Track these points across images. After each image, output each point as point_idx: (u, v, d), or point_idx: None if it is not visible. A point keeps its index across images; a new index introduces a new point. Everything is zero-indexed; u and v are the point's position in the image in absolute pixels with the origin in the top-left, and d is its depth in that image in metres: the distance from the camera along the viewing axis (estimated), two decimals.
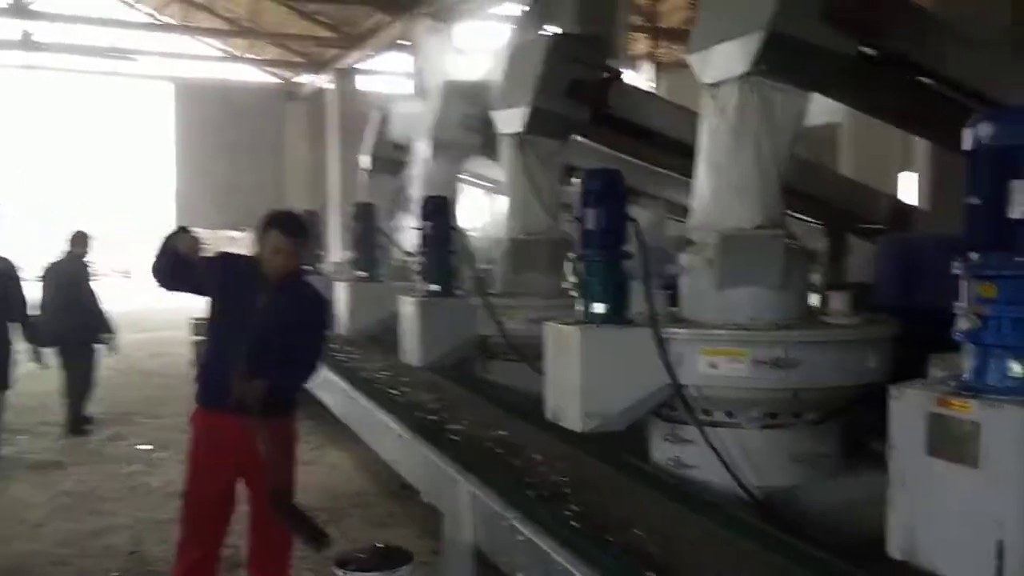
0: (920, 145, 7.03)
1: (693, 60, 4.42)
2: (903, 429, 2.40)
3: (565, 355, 4.13)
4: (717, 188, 4.28)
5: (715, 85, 4.29)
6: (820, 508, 4.05)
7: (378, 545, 3.94)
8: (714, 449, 3.97)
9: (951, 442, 2.27)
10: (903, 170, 7.53)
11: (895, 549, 2.42)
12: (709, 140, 4.31)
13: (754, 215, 4.18)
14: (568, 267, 4.19)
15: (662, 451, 4.36)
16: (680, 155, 6.60)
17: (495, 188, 9.57)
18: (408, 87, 17.22)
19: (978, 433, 2.19)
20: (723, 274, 4.11)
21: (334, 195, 20.34)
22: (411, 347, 6.57)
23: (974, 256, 2.31)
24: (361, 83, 21.77)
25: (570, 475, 4.05)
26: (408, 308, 6.62)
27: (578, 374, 4.00)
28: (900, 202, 6.97)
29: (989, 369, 2.28)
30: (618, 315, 4.16)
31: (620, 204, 4.18)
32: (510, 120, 6.47)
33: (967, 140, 2.34)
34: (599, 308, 4.16)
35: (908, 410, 2.39)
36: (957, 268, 2.37)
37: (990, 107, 4.07)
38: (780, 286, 4.14)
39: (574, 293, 4.24)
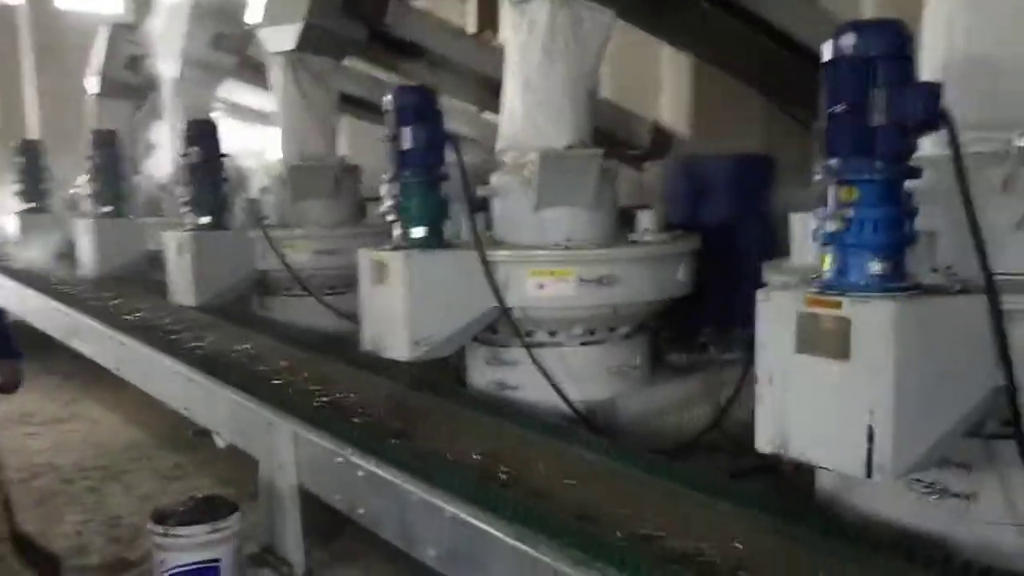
0: (679, 69, 7.37)
1: None
2: (771, 330, 2.52)
3: (385, 283, 3.96)
4: (528, 106, 4.25)
5: (523, 1, 4.23)
6: (634, 416, 4.24)
7: (196, 496, 3.64)
8: (541, 368, 4.01)
9: (821, 338, 2.40)
10: (661, 94, 7.94)
11: (765, 443, 2.55)
12: (519, 57, 4.26)
13: (567, 134, 4.21)
14: (383, 190, 3.98)
15: (483, 375, 4.35)
16: (458, 78, 6.53)
17: (253, 115, 9.02)
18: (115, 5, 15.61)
19: (848, 328, 2.35)
20: (541, 194, 4.11)
21: (32, 124, 18.13)
22: (182, 286, 6.06)
23: (835, 162, 2.44)
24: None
25: (393, 405, 3.94)
26: (176, 243, 6.08)
27: (403, 301, 3.86)
28: (660, 127, 7.31)
29: (852, 268, 2.43)
30: (438, 239, 4.05)
31: (437, 122, 4.03)
32: (280, 38, 6.04)
33: (828, 51, 2.45)
34: (419, 232, 4.01)
35: (776, 312, 2.51)
36: (819, 173, 2.50)
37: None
38: (596, 205, 4.22)
39: (390, 217, 4.05)
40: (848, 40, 2.38)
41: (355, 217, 6.45)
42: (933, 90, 2.34)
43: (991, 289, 2.36)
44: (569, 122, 4.19)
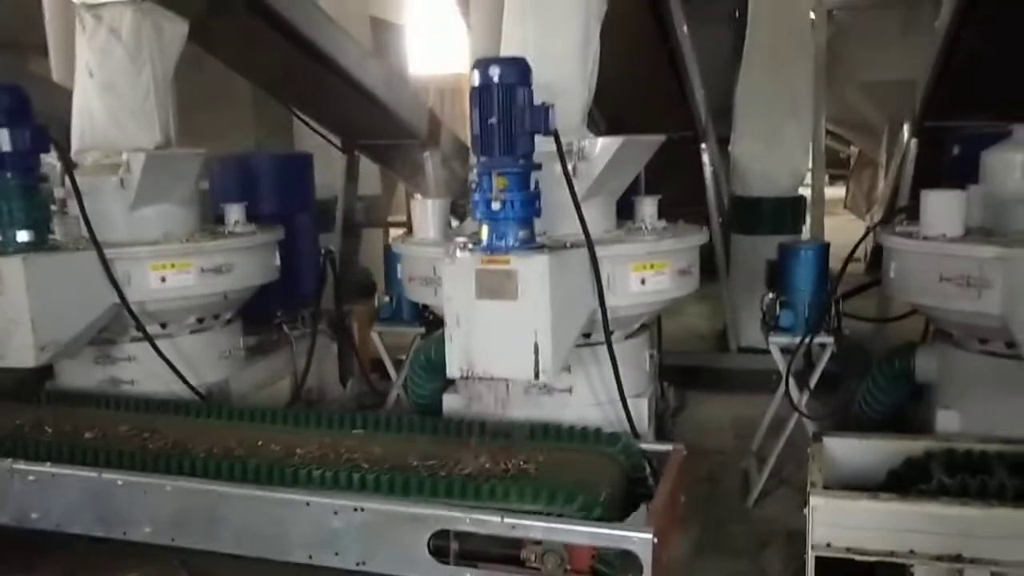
0: None
1: None
2: (456, 284, 3.33)
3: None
4: (113, 110, 4.35)
5: (99, 5, 4.30)
6: (241, 393, 4.67)
7: None
8: (165, 358, 4.22)
9: (497, 286, 3.30)
10: None
11: (455, 370, 3.37)
12: (100, 59, 4.32)
13: (155, 135, 4.42)
14: None
15: (92, 375, 4.34)
16: None
17: None
18: None
19: (515, 277, 3.28)
20: (141, 192, 4.26)
21: None
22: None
23: (488, 160, 3.34)
24: None
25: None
26: None
27: (26, 307, 3.74)
28: (435, 115, 7.01)
29: (508, 235, 3.36)
30: (44, 241, 3.97)
31: (32, 122, 3.92)
32: None
33: (476, 79, 3.32)
34: (24, 236, 3.89)
35: (459, 270, 3.32)
36: (478, 168, 3.37)
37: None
38: (189, 201, 4.51)
39: None
40: (494, 71, 3.32)
41: None
42: (548, 109, 3.40)
43: (590, 243, 3.52)
44: (158, 123, 4.41)
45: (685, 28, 5.32)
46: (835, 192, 13.74)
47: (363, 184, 8.03)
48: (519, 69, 3.34)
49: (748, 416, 5.17)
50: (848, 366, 4.58)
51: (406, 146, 6.70)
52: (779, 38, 6.46)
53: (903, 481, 3.23)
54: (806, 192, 7.20)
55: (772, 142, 6.48)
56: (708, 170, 6.43)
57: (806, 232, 7.12)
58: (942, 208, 3.54)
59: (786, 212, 6.58)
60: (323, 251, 5.53)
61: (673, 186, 6.65)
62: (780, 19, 6.48)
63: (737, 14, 7.49)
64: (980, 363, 3.69)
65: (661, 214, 4.07)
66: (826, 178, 8.05)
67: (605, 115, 6.50)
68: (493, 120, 3.31)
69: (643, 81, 5.77)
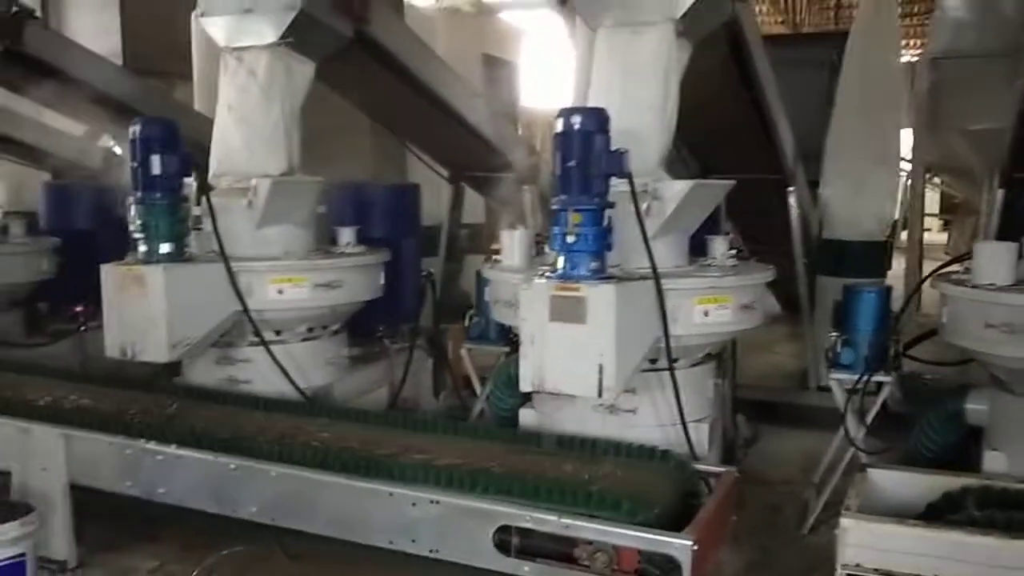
0: None
1: (213, 24, 4.94)
2: (532, 307, 3.74)
3: (140, 293, 4.37)
4: (247, 139, 4.95)
5: (241, 49, 4.93)
6: (343, 398, 5.16)
7: None
8: (277, 362, 4.76)
9: (568, 311, 3.68)
10: None
11: (528, 384, 3.77)
12: (238, 96, 4.93)
13: (282, 163, 4.99)
14: (132, 211, 4.41)
15: (212, 374, 4.92)
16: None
17: None
18: None
19: (585, 303, 3.66)
20: (266, 214, 4.83)
21: None
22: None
23: (566, 197, 3.74)
24: None
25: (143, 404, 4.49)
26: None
27: (164, 309, 4.33)
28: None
29: (580, 265, 3.74)
30: (181, 253, 4.57)
31: (180, 149, 4.54)
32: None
33: (559, 126, 3.74)
34: (166, 248, 4.50)
35: (535, 295, 3.73)
36: (556, 204, 3.77)
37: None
38: (309, 223, 5.08)
39: (138, 235, 4.46)
40: (575, 120, 3.72)
41: None
42: (623, 154, 3.78)
43: (656, 276, 3.87)
44: (284, 152, 4.99)
45: (770, 77, 5.61)
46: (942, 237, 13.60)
47: (468, 213, 8.56)
48: (597, 118, 3.73)
49: (818, 451, 5.36)
50: (916, 406, 4.76)
51: (507, 178, 7.18)
52: (870, 86, 6.66)
53: (939, 513, 3.45)
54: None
55: (860, 187, 6.67)
56: (794, 212, 6.66)
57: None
58: (992, 258, 3.75)
59: (871, 256, 6.74)
60: (424, 273, 6.02)
61: (765, 226, 6.95)
62: (871, 67, 6.69)
63: (836, 58, 7.66)
64: None
65: (751, 252, 4.37)
66: (931, 223, 8.10)
67: (698, 156, 6.84)
68: (571, 163, 3.72)
69: (731, 126, 6.07)
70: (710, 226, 4.63)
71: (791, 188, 6.66)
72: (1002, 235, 5.38)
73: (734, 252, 4.41)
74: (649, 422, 4.19)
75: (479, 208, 9.08)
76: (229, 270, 4.56)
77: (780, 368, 8.05)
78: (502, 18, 13.47)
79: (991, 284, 3.71)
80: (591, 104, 4.10)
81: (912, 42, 14.91)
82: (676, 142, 4.49)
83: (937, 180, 12.38)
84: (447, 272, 7.41)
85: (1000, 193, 6.04)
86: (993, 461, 3.87)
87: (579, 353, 3.67)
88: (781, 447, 5.95)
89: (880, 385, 4.44)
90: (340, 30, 5.14)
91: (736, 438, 5.27)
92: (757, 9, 17.35)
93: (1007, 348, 3.61)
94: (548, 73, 15.63)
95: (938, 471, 3.76)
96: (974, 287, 3.76)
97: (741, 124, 5.96)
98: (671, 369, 3.99)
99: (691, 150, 6.62)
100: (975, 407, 4.18)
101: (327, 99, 6.14)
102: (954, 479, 3.60)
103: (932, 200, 10.94)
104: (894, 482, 3.68)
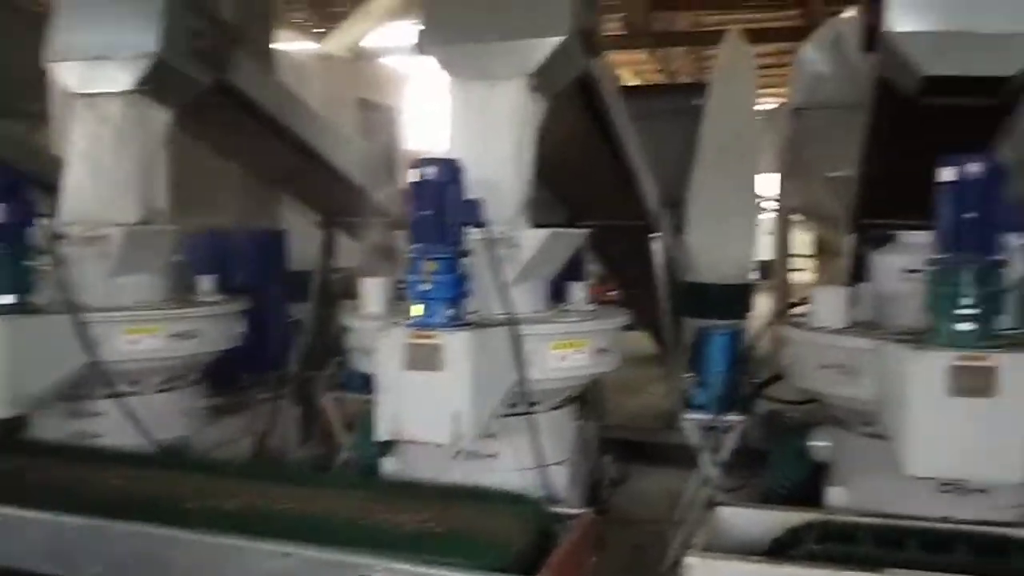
0: None
1: (67, 69, 4.81)
2: (388, 355, 3.73)
3: None
4: (100, 186, 4.81)
5: (92, 95, 4.81)
6: (203, 450, 5.03)
7: None
8: (131, 415, 4.60)
9: (423, 358, 3.69)
10: None
11: (385, 433, 3.75)
12: (90, 143, 4.80)
13: (137, 211, 4.87)
14: None
15: (60, 428, 4.71)
16: None
17: None
18: None
19: (441, 351, 3.67)
20: (119, 263, 4.70)
21: None
22: None
23: (421, 246, 3.77)
24: None
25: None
26: None
27: (4, 362, 4.14)
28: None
29: (436, 313, 3.76)
30: (28, 304, 4.39)
31: (24, 198, 4.38)
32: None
33: (414, 176, 3.78)
34: (8, 299, 4.31)
35: (391, 343, 3.73)
36: (412, 253, 3.79)
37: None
38: (162, 271, 4.95)
39: None
40: (428, 171, 3.78)
41: None
42: (479, 203, 3.84)
43: (512, 322, 3.93)
44: (139, 200, 4.87)
45: (628, 129, 5.80)
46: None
47: (345, 258, 8.48)
48: (450, 169, 3.80)
49: (684, 489, 5.50)
50: (771, 444, 4.95)
51: (379, 223, 7.16)
52: (726, 134, 6.97)
53: (783, 548, 3.58)
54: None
55: (719, 232, 6.93)
56: (658, 258, 6.87)
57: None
58: (827, 302, 3.97)
59: (731, 298, 6.99)
60: (292, 320, 5.95)
61: (637, 270, 7.14)
62: (727, 116, 7.00)
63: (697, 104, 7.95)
64: (864, 444, 4.06)
65: (624, 296, 4.48)
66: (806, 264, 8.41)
67: (568, 204, 6.99)
68: (426, 212, 3.76)
69: (595, 176, 6.23)
70: (572, 271, 4.75)
71: (653, 235, 6.87)
72: (854, 278, 5.68)
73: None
74: (509, 466, 4.22)
75: (356, 253, 9.01)
76: (77, 321, 4.41)
77: (652, 408, 8.25)
78: (382, 63, 13.51)
79: (826, 327, 3.92)
80: (449, 154, 4.17)
81: (776, 91, 15.66)
82: (543, 190, 4.60)
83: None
84: (320, 318, 7.31)
85: (848, 238, 6.37)
86: (836, 496, 4.05)
87: (435, 401, 3.69)
88: (649, 487, 6.08)
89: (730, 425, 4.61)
90: (198, 78, 5.07)
91: (602, 479, 5.36)
92: (637, 59, 17.90)
93: (842, 388, 3.81)
94: (431, 117, 15.72)
95: (784, 507, 3.91)
96: (810, 330, 3.96)
97: (604, 174, 6.12)
98: (529, 413, 4.04)
99: (560, 198, 6.77)
100: (819, 444, 4.37)
101: (197, 144, 6.05)
102: (799, 515, 3.74)
103: (807, 242, 11.43)
104: (742, 519, 3.79)
